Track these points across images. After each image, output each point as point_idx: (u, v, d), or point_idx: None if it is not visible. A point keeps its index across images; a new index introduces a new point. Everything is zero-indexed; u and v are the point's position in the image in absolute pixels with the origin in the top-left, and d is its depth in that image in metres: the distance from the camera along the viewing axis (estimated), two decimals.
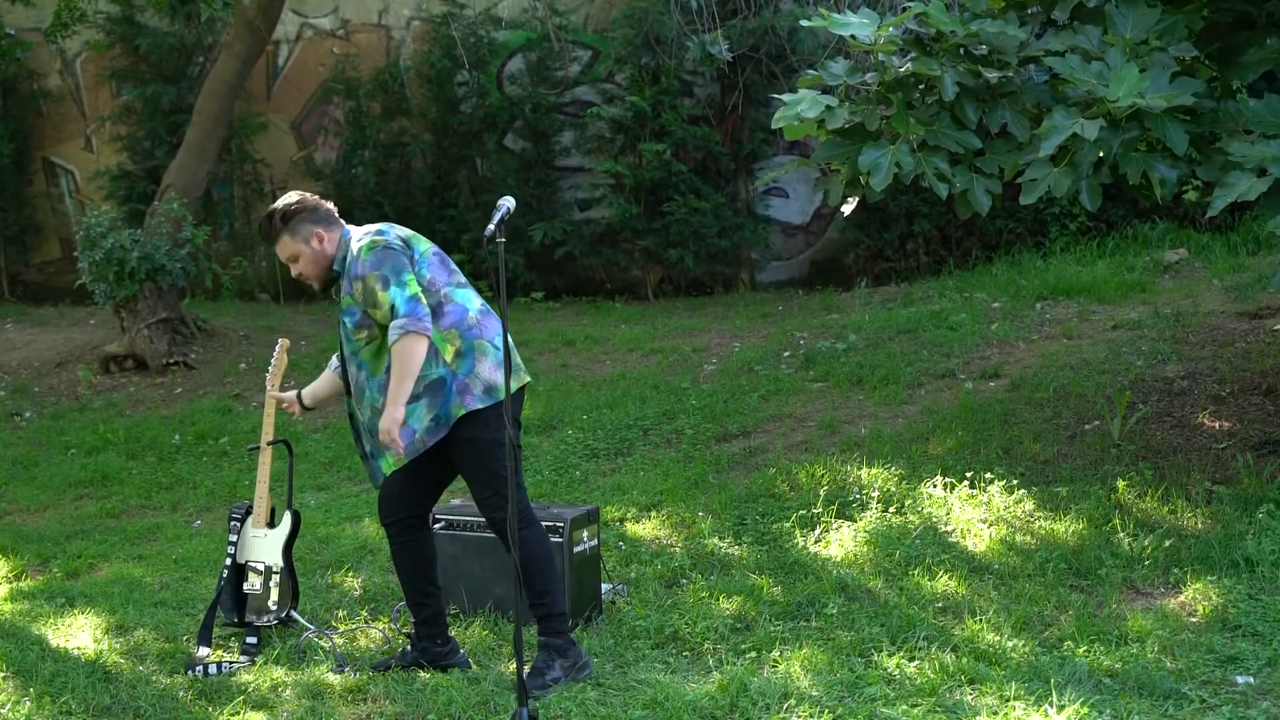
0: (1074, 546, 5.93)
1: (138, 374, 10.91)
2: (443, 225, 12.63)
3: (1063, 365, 8.28)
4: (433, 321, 4.94)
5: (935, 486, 6.65)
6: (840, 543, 6.28)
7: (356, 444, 5.27)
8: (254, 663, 5.40)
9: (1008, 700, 4.54)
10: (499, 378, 4.99)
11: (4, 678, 5.32)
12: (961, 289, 10.67)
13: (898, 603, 5.54)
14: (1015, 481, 6.58)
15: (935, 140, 5.91)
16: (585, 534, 5.77)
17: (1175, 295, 9.55)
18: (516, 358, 5.15)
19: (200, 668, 5.33)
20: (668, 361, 9.87)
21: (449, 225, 12.72)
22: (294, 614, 5.76)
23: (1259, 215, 8.52)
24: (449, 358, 4.98)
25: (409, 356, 4.88)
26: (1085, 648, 4.96)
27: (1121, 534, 5.97)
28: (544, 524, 5.35)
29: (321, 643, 5.52)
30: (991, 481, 6.56)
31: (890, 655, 5.01)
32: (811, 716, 4.53)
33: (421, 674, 5.14)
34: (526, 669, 5.03)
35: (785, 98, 5.96)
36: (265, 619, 5.70)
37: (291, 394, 5.55)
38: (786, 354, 9.52)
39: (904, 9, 6.09)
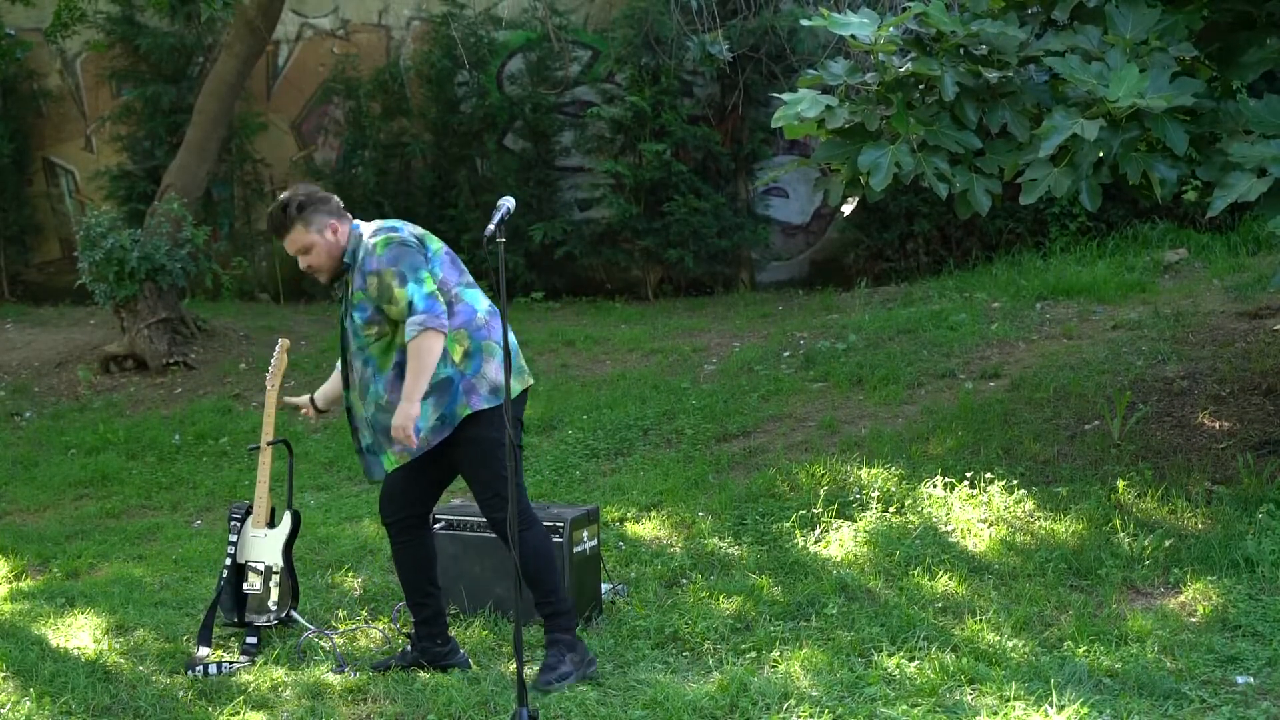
0: (1074, 546, 5.93)
1: (138, 374, 10.92)
2: (443, 225, 12.62)
3: (1063, 365, 8.28)
4: None
5: (935, 486, 6.65)
6: (840, 543, 6.28)
7: (354, 437, 5.26)
8: (254, 663, 5.40)
9: (1008, 700, 4.54)
10: (502, 378, 4.99)
11: (4, 678, 5.32)
12: (961, 289, 10.67)
13: (898, 603, 5.54)
14: (1015, 481, 6.58)
15: (935, 140, 5.91)
16: (585, 534, 5.78)
17: (1175, 295, 9.55)
18: (521, 360, 5.17)
19: (200, 668, 5.33)
20: (668, 361, 9.87)
21: (449, 225, 12.71)
22: (294, 614, 5.76)
23: (1259, 215, 8.52)
24: (457, 358, 4.98)
25: (427, 353, 4.88)
26: (1085, 648, 4.96)
27: (1121, 534, 5.97)
28: (544, 524, 5.36)
29: (321, 643, 5.52)
30: (991, 481, 6.56)
31: (890, 655, 5.01)
32: (811, 716, 4.53)
33: (421, 674, 5.15)
34: (536, 667, 5.04)
35: (785, 97, 5.96)
36: (265, 619, 5.70)
37: (305, 398, 5.53)
38: (786, 354, 9.52)
39: (904, 9, 6.09)
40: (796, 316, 10.87)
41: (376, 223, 5.18)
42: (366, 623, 5.81)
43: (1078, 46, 5.81)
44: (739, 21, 12.30)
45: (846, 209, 6.56)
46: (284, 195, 5.13)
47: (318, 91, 13.70)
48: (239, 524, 5.85)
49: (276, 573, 5.76)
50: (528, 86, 12.97)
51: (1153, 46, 5.75)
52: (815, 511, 6.58)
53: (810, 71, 6.18)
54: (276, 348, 5.97)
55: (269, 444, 5.82)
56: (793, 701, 4.64)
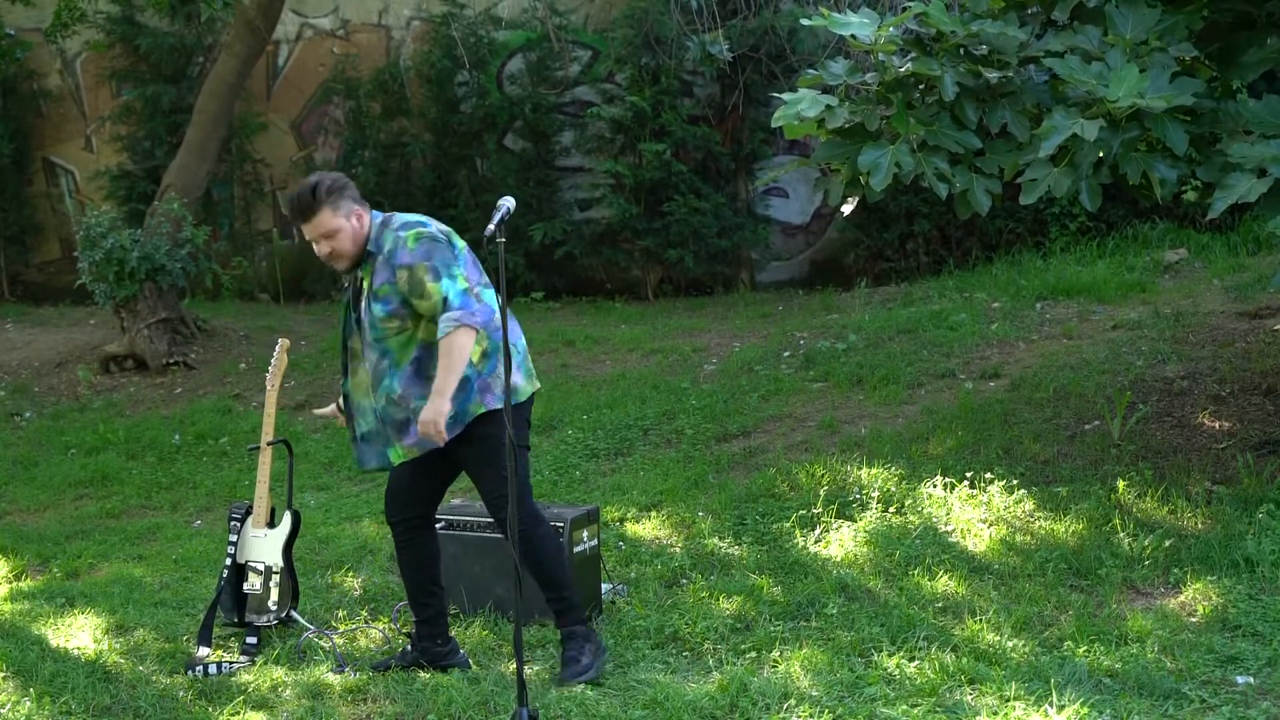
0: (1074, 546, 5.93)
1: (138, 374, 10.92)
2: None
3: (1063, 365, 8.28)
4: None
5: (935, 486, 6.65)
6: (840, 543, 6.28)
7: (349, 425, 5.26)
8: (254, 663, 5.40)
9: (1008, 700, 4.54)
10: (519, 379, 5.08)
11: (4, 678, 5.32)
12: (961, 289, 10.67)
13: (898, 603, 5.54)
14: (1015, 481, 6.58)
15: (935, 140, 5.90)
16: (585, 534, 5.78)
17: (1175, 295, 9.55)
18: (529, 363, 5.20)
19: (200, 668, 5.33)
20: (668, 361, 9.87)
21: (449, 225, 12.65)
22: (294, 614, 5.76)
23: (1259, 215, 8.51)
24: (475, 357, 4.98)
25: (460, 349, 4.86)
26: (1085, 648, 4.96)
27: (1121, 534, 5.97)
28: None
29: (321, 643, 5.52)
30: (991, 481, 6.56)
31: (890, 655, 5.01)
32: (811, 716, 4.53)
33: (421, 674, 5.15)
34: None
35: (785, 97, 5.95)
36: (265, 619, 5.70)
37: (331, 408, 5.50)
38: (786, 354, 9.52)
39: (904, 9, 6.09)
40: (796, 316, 10.87)
41: (400, 215, 5.16)
42: (366, 623, 5.81)
43: (1078, 47, 5.81)
44: (739, 21, 12.30)
45: (846, 209, 6.56)
46: (310, 178, 5.07)
47: (318, 91, 13.70)
48: (239, 524, 5.85)
49: (276, 573, 5.76)
50: (528, 86, 12.97)
51: (1153, 46, 5.75)
52: (815, 511, 6.58)
53: (810, 71, 6.18)
54: (276, 348, 5.97)
55: (269, 444, 5.82)
56: (793, 701, 4.64)
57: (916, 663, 4.93)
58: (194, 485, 8.62)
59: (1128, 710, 4.44)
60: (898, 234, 12.36)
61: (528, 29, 13.09)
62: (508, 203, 4.72)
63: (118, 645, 5.69)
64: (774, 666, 5.04)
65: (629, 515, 6.96)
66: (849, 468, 7.07)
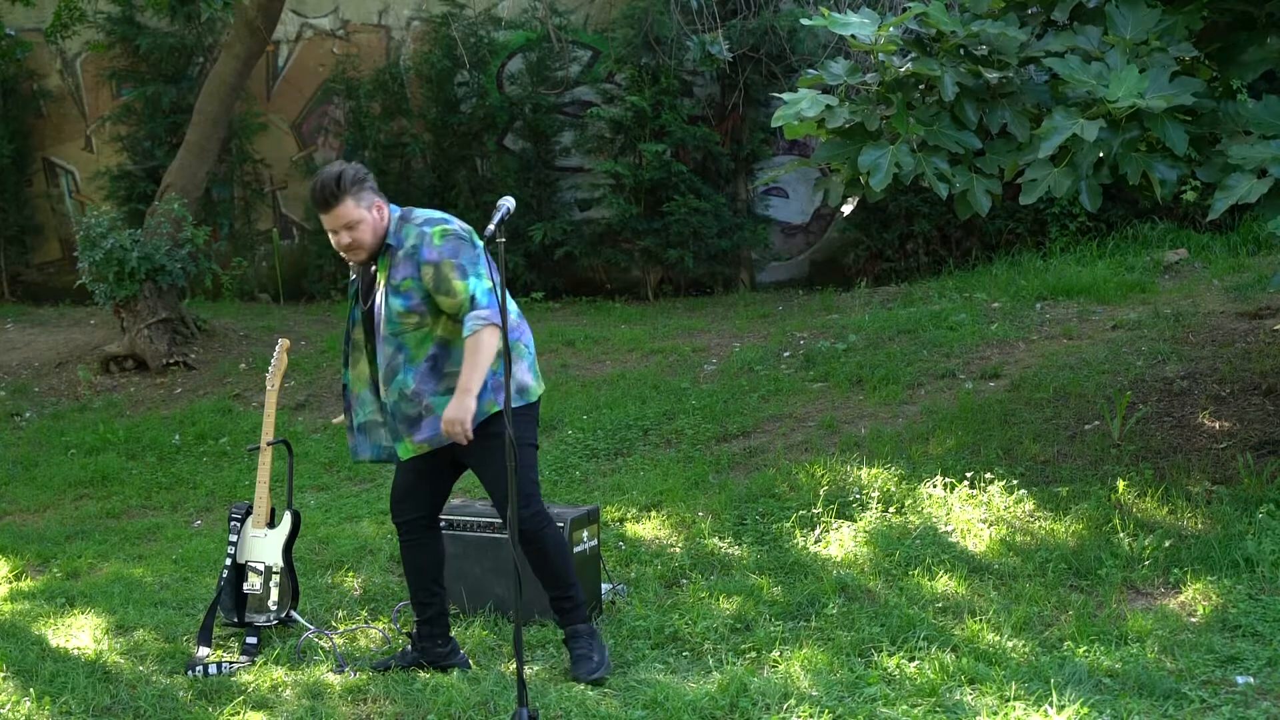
0: (1074, 546, 5.93)
1: (138, 374, 10.92)
2: None
3: (1063, 365, 8.28)
4: None
5: (935, 486, 6.65)
6: (840, 543, 6.28)
7: (345, 414, 5.27)
8: (254, 663, 5.40)
9: (1008, 700, 4.54)
10: (530, 380, 5.11)
11: (4, 678, 5.32)
12: (961, 289, 10.67)
13: (898, 603, 5.54)
14: (1015, 481, 6.58)
15: (935, 140, 5.91)
16: (585, 534, 5.78)
17: (1175, 295, 9.55)
18: (536, 364, 5.23)
19: (200, 668, 5.33)
20: (668, 361, 9.87)
21: None
22: (294, 614, 5.77)
23: (1259, 216, 8.52)
24: None
25: (487, 348, 4.88)
26: (1085, 648, 4.96)
27: (1121, 534, 5.97)
28: None
29: (321, 643, 5.53)
30: (991, 481, 6.56)
31: (890, 655, 5.02)
32: (811, 716, 4.53)
33: (421, 674, 5.15)
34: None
35: (785, 97, 5.95)
36: (265, 619, 5.70)
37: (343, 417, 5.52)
38: (786, 354, 9.52)
39: (904, 9, 6.09)
40: (796, 316, 10.87)
41: (420, 210, 5.15)
42: (366, 623, 5.81)
43: (1078, 47, 5.81)
44: (739, 21, 12.30)
45: (846, 209, 6.57)
46: (333, 168, 5.03)
47: (318, 92, 13.70)
48: (239, 524, 5.85)
49: (276, 573, 5.76)
50: (528, 87, 12.97)
51: (1153, 47, 5.75)
52: (815, 511, 6.58)
53: (810, 71, 6.18)
54: (277, 348, 5.97)
55: (269, 444, 5.82)
56: (793, 701, 4.64)
57: (916, 663, 4.93)
58: (194, 485, 8.62)
59: (1128, 710, 4.44)
60: (898, 234, 12.36)
61: (528, 29, 13.09)
62: (507, 203, 4.72)
63: (118, 645, 5.69)
64: (774, 666, 5.04)
65: (629, 515, 6.96)
66: (849, 468, 7.07)
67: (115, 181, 13.44)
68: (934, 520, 6.34)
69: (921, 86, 6.08)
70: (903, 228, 12.33)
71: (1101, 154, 5.74)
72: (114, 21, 13.40)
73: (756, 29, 12.29)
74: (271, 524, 5.84)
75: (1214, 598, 5.33)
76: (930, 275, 11.87)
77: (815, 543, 6.34)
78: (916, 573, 5.86)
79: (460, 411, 4.86)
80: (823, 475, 6.98)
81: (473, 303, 4.90)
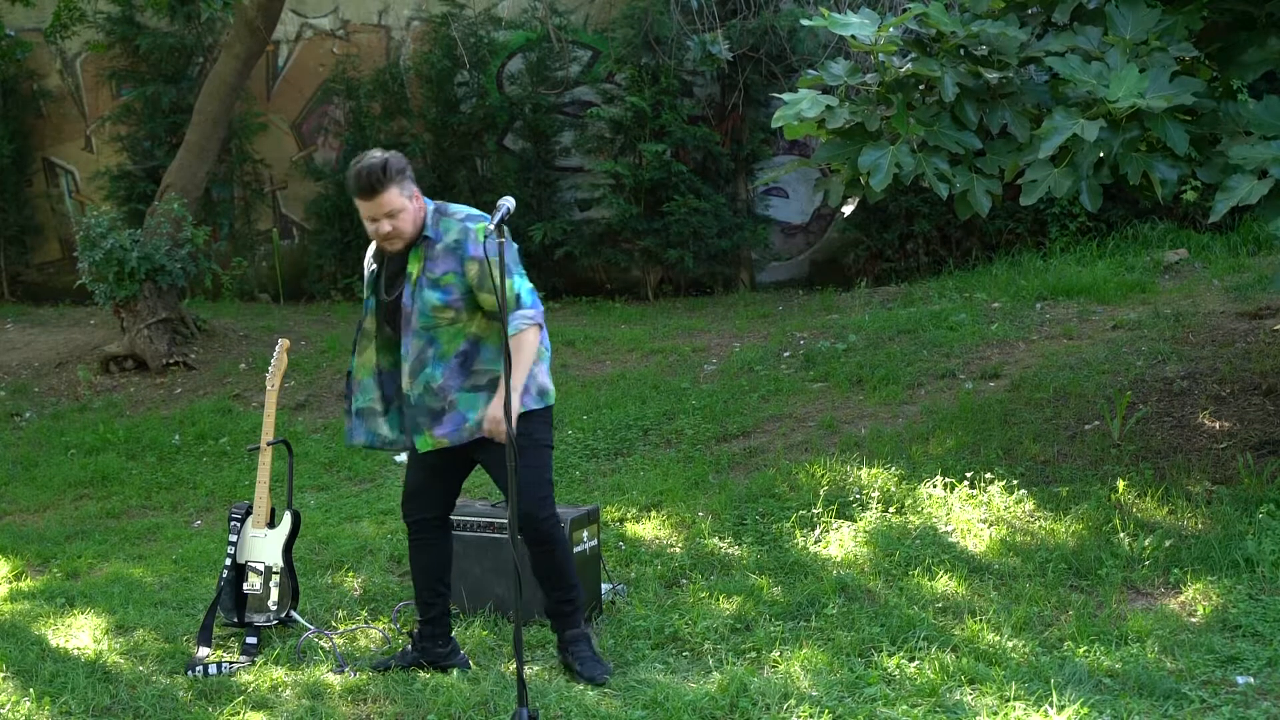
0: (1074, 546, 5.93)
1: (138, 374, 10.92)
2: None
3: (1063, 365, 8.28)
4: None
5: (935, 487, 6.65)
6: (840, 543, 6.28)
7: (345, 399, 5.25)
8: (254, 663, 5.40)
9: (1008, 700, 4.54)
10: (548, 382, 5.10)
11: (4, 678, 5.32)
12: (961, 289, 10.67)
13: (898, 603, 5.54)
14: (1015, 481, 6.58)
15: (935, 141, 5.91)
16: (585, 534, 5.78)
17: (1175, 295, 9.55)
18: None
19: (200, 668, 5.33)
20: (668, 361, 9.87)
21: None
22: (294, 614, 5.77)
23: (1259, 216, 8.50)
24: None
25: (530, 347, 4.91)
26: (1085, 648, 4.96)
27: (1121, 534, 5.97)
28: None
29: (321, 643, 5.53)
30: (991, 481, 6.56)
31: (890, 655, 5.02)
32: (811, 716, 4.53)
33: (421, 674, 5.15)
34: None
35: (785, 97, 5.96)
36: (265, 619, 5.70)
37: None
38: (786, 354, 9.52)
39: (904, 9, 6.09)
40: (796, 316, 10.87)
41: (455, 205, 5.15)
42: (366, 623, 5.81)
43: (1078, 47, 5.81)
44: (739, 21, 12.30)
45: (846, 209, 6.57)
46: (374, 155, 4.98)
47: (318, 92, 13.70)
48: (239, 524, 5.85)
49: (276, 573, 5.76)
50: (528, 87, 12.97)
51: (1153, 47, 5.75)
52: (815, 511, 6.58)
53: (810, 72, 6.18)
54: (277, 348, 5.97)
55: (269, 444, 5.82)
56: (793, 701, 4.64)
57: (916, 663, 4.93)
58: (194, 485, 8.62)
59: (1128, 710, 4.44)
60: (898, 234, 12.36)
61: (528, 29, 13.09)
62: (508, 203, 4.72)
63: (118, 645, 5.69)
64: (774, 666, 5.04)
65: (629, 515, 6.96)
66: (849, 468, 7.07)
67: (115, 181, 13.44)
68: (934, 520, 6.34)
69: (921, 87, 6.08)
70: (903, 228, 12.33)
71: (1102, 154, 5.74)
72: (114, 21, 13.41)
73: (756, 29, 12.29)
74: (271, 524, 5.84)
75: (1214, 598, 5.33)
76: (930, 275, 11.87)
77: (815, 543, 6.34)
78: (916, 573, 5.86)
79: (501, 410, 4.82)
80: (823, 475, 6.98)
81: (519, 302, 4.92)
